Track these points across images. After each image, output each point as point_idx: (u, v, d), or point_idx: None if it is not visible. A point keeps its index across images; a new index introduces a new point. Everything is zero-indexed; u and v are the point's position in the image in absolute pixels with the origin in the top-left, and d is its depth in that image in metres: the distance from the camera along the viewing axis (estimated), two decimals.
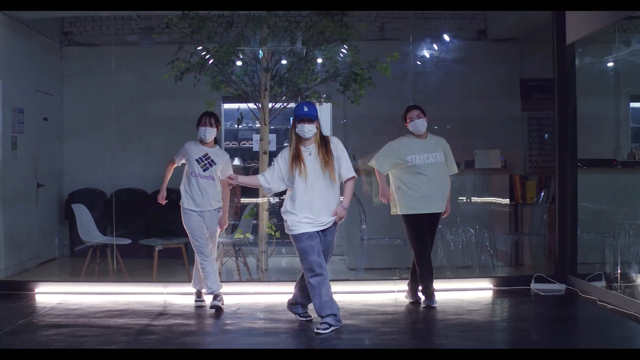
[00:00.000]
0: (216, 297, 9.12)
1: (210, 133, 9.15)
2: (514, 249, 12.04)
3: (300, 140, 8.01)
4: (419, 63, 12.44)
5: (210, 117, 9.21)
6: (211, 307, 9.06)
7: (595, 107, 12.28)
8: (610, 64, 12.12)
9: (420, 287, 9.28)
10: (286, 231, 8.12)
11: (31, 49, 12.35)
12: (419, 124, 9.04)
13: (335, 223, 8.02)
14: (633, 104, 13.42)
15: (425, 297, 9.20)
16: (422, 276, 9.12)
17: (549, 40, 10.94)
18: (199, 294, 9.42)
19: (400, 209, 9.12)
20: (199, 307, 9.28)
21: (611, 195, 11.39)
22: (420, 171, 8.98)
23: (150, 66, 12.41)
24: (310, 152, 7.94)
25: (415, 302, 9.37)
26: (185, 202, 9.16)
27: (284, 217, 8.09)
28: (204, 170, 9.07)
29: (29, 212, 12.26)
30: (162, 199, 9.46)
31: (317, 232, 7.95)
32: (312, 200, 7.91)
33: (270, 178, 8.10)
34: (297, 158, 7.98)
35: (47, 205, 13.00)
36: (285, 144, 9.85)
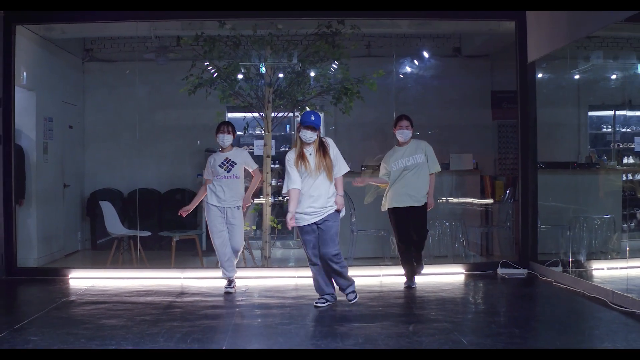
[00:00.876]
0: (230, 282, 10.17)
1: (227, 139, 10.03)
2: (484, 240, 13.01)
3: (302, 142, 8.90)
4: (402, 77, 13.48)
5: (228, 125, 10.08)
6: (225, 293, 10.04)
7: (559, 116, 13.21)
8: (573, 77, 12.83)
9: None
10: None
11: (58, 64, 13.25)
12: (405, 134, 10.06)
13: (337, 211, 8.97)
14: (591, 113, 14.54)
15: (407, 278, 10.29)
16: (403, 261, 10.18)
17: (515, 57, 11.85)
18: (229, 282, 10.22)
19: (386, 204, 10.14)
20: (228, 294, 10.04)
21: (570, 194, 12.26)
22: (402, 173, 10.01)
23: (164, 80, 13.32)
24: (310, 153, 8.89)
25: (409, 287, 10.32)
26: (209, 198, 10.04)
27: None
28: (228, 172, 10.00)
29: (57, 209, 13.12)
30: (185, 212, 10.17)
31: (316, 225, 8.90)
32: (313, 192, 8.87)
33: (299, 179, 8.92)
34: (301, 157, 8.86)
35: (71, 204, 13.87)
36: (282, 149, 11.15)
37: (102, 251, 12.53)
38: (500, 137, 14.25)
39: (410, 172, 10.04)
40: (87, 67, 14.58)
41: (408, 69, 13.80)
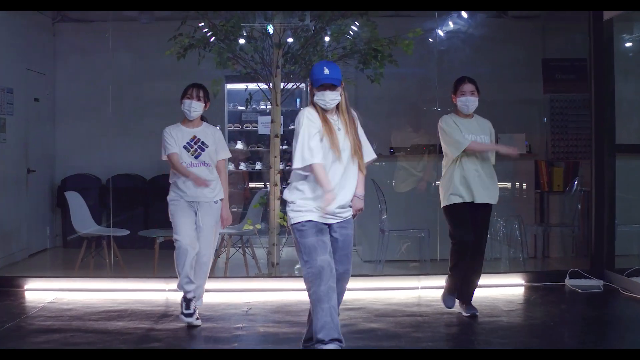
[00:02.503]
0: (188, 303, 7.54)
1: (196, 108, 7.53)
2: (540, 240, 11.22)
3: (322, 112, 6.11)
4: (442, 35, 11.50)
5: (199, 89, 7.62)
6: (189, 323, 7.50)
7: (626, 90, 11.22)
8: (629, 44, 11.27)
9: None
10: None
11: (21, 25, 11.45)
12: (471, 102, 7.73)
13: (353, 216, 6.40)
14: None
15: (463, 302, 7.96)
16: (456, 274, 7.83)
17: (574, 17, 10.27)
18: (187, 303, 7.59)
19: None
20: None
21: None
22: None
23: (150, 44, 11.62)
24: (337, 127, 6.12)
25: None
26: (172, 194, 7.63)
27: (288, 207, 6.25)
28: (196, 157, 7.53)
29: (19, 200, 11.42)
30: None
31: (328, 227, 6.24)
32: (342, 182, 6.19)
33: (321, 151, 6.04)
34: (327, 126, 6.06)
35: (38, 192, 12.15)
36: (292, 127, 8.76)
37: (76, 249, 10.65)
38: (553, 114, 12.30)
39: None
40: (58, 29, 12.73)
41: (441, 34, 11.64)
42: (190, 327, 7.42)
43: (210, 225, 7.59)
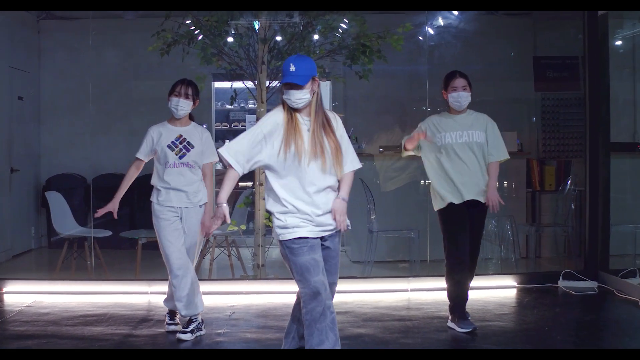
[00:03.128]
0: (190, 322, 6.95)
1: (183, 106, 6.96)
2: (532, 240, 10.92)
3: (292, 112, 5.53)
4: (431, 32, 11.13)
5: (187, 86, 7.06)
6: (178, 339, 6.86)
7: (618, 88, 10.92)
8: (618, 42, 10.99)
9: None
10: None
11: (4, 21, 11.09)
12: (463, 98, 7.22)
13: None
14: None
15: (458, 315, 7.24)
16: (454, 285, 7.21)
17: (565, 14, 10.08)
18: (171, 315, 7.23)
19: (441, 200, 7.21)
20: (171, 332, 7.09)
21: (636, 182, 10.51)
22: (452, 153, 7.14)
23: (134, 41, 11.23)
24: (308, 129, 5.51)
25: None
26: (156, 196, 7.14)
27: (274, 220, 5.63)
28: (180, 158, 6.99)
29: (1, 200, 11.10)
30: (114, 211, 7.41)
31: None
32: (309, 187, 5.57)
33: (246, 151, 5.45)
34: (293, 127, 5.49)
35: (21, 192, 11.80)
36: None
37: (60, 250, 10.12)
38: (545, 113, 11.97)
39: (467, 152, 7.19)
40: (43, 26, 12.36)
41: (431, 31, 11.33)
42: (171, 332, 7.03)
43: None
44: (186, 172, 6.95)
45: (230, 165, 5.27)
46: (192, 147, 6.97)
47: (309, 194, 5.35)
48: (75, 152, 12.00)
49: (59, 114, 12.20)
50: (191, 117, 7.21)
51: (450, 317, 7.18)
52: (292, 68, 5.36)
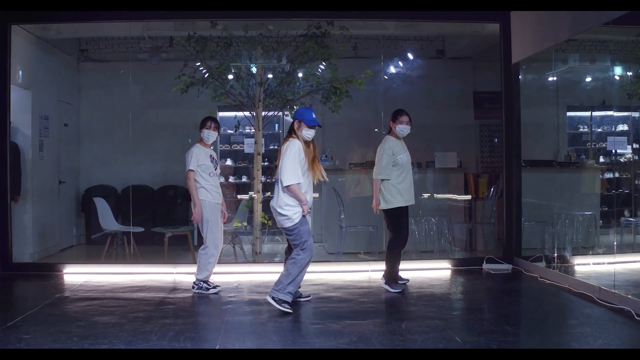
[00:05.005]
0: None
1: (213, 136, 9.28)
2: (468, 236, 12.51)
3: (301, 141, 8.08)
4: (386, 78, 12.89)
5: (213, 121, 9.28)
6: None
7: (538, 116, 12.82)
8: (551, 79, 12.55)
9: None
10: (286, 223, 8.09)
11: (53, 63, 12.76)
12: (406, 130, 9.28)
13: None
14: (569, 113, 14.11)
15: (399, 276, 9.57)
16: (395, 258, 9.35)
17: (498, 59, 11.39)
18: (208, 282, 9.34)
19: (395, 202, 9.25)
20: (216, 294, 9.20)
21: (550, 191, 11.94)
22: (405, 168, 9.24)
23: (157, 79, 12.80)
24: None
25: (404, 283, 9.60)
26: (209, 196, 9.15)
27: (286, 210, 8.06)
28: (215, 169, 9.24)
29: (52, 205, 12.61)
30: (199, 214, 9.17)
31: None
32: (309, 189, 8.25)
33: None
34: (307, 153, 8.10)
35: (66, 200, 13.34)
36: (272, 146, 10.57)
37: (97, 246, 12.01)
38: (482, 136, 13.83)
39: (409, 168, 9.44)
40: (82, 67, 14.09)
41: (393, 70, 13.33)
42: (202, 296, 9.11)
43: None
44: (217, 180, 9.33)
45: (298, 184, 7.97)
46: (217, 164, 9.33)
47: (307, 193, 8.10)
48: (108, 168, 13.60)
49: (94, 137, 13.76)
50: None
51: (388, 282, 9.36)
52: (314, 116, 8.09)
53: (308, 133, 8.12)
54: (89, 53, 13.89)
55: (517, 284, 9.94)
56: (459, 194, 12.77)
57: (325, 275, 10.35)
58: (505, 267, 10.80)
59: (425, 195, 12.63)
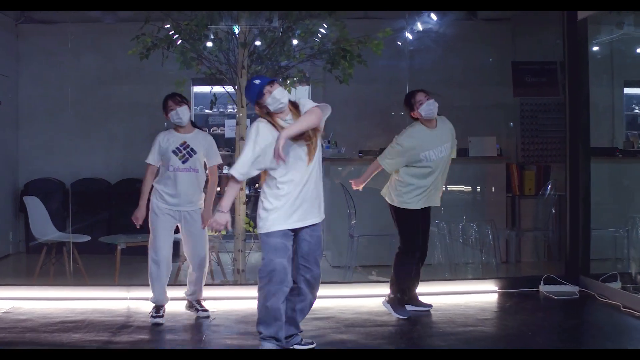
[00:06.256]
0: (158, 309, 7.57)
1: (184, 113, 7.35)
2: (512, 245, 10.68)
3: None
4: (413, 37, 11.01)
5: (175, 95, 7.47)
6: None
7: (596, 94, 10.91)
8: (598, 48, 10.97)
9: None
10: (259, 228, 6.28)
11: None
12: (432, 105, 7.35)
13: None
14: (627, 90, 12.38)
15: (408, 299, 7.88)
16: (406, 275, 7.72)
17: (544, 20, 9.84)
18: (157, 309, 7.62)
19: (410, 203, 7.55)
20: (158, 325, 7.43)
21: (616, 187, 10.35)
22: (434, 168, 7.51)
23: (113, 46, 11.03)
24: None
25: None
26: (155, 197, 7.45)
27: (261, 211, 6.23)
28: (183, 162, 7.34)
29: None
30: (139, 219, 7.54)
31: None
32: None
33: None
34: None
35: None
36: None
37: (39, 255, 9.88)
38: (523, 118, 11.81)
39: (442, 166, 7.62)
40: (22, 30, 12.16)
41: (409, 36, 11.19)
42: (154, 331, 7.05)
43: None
44: (187, 177, 7.33)
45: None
46: (195, 153, 7.34)
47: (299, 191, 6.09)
48: (54, 157, 11.83)
49: (37, 118, 11.97)
50: (194, 124, 7.57)
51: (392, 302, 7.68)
52: (257, 81, 6.07)
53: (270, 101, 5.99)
54: (30, 12, 11.93)
55: (592, 317, 7.86)
56: (498, 190, 10.85)
57: (331, 302, 8.26)
58: (570, 289, 8.76)
59: (458, 191, 10.92)
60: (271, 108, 5.87)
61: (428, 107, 7.31)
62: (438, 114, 7.49)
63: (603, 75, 11.35)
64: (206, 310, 7.62)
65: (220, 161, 7.62)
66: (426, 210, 7.58)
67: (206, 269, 7.74)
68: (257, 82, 5.97)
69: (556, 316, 7.86)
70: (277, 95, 5.85)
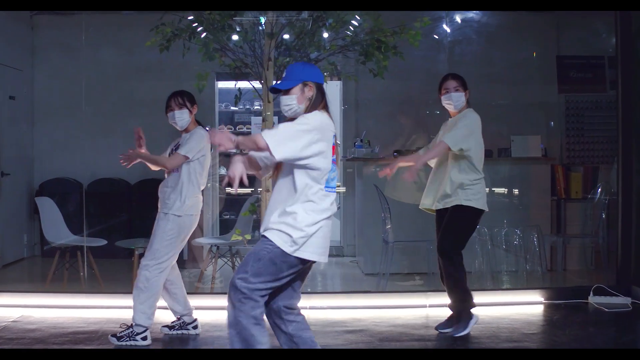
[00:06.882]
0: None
1: (180, 117, 6.94)
2: (558, 252, 10.34)
3: None
4: (453, 28, 10.76)
5: (178, 96, 7.05)
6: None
7: None
8: None
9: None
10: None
11: None
12: (455, 98, 7.00)
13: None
14: None
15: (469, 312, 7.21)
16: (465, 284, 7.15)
17: (589, 12, 9.25)
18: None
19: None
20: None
21: None
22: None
23: (133, 38, 10.81)
24: None
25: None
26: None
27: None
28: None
29: None
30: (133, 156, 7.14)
31: None
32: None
33: None
34: None
35: (13, 198, 11.30)
36: None
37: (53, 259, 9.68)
38: (569, 116, 11.46)
39: None
40: (37, 21, 11.88)
41: (447, 29, 10.97)
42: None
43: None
44: (171, 177, 6.99)
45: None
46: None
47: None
48: (70, 156, 11.61)
49: (53, 114, 11.80)
50: (199, 123, 7.15)
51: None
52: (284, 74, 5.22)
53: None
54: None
55: None
56: (543, 193, 10.46)
57: (364, 313, 7.93)
58: (622, 301, 8.33)
59: (499, 195, 10.58)
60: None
61: (448, 99, 7.09)
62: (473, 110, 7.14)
63: None
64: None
65: (186, 155, 6.89)
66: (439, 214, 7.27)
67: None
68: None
69: (609, 331, 7.49)
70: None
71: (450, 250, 6.90)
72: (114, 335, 6.64)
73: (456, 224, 6.92)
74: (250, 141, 4.76)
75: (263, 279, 4.72)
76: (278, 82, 5.21)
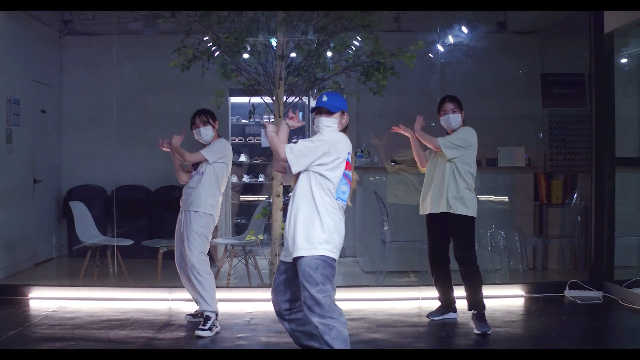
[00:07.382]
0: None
1: (206, 133, 7.65)
2: (539, 252, 10.78)
3: None
4: (441, 50, 11.06)
5: (201, 114, 7.69)
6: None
7: (623, 104, 10.77)
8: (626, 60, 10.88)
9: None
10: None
11: (29, 37, 11.03)
12: (452, 120, 7.64)
13: None
14: None
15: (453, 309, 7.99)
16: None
17: (571, 33, 10.14)
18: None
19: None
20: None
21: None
22: (432, 164, 7.93)
23: (154, 57, 11.24)
24: None
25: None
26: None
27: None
28: (195, 167, 7.70)
29: (25, 210, 10.96)
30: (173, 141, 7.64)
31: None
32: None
33: None
34: None
35: (44, 203, 11.67)
36: (294, 140, 8.49)
37: (81, 258, 10.13)
38: (552, 129, 11.99)
39: None
40: (65, 42, 12.29)
41: (441, 48, 11.27)
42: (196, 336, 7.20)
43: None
44: (196, 178, 7.59)
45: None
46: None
47: None
48: (96, 165, 11.92)
49: (80, 127, 12.10)
50: (219, 135, 7.81)
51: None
52: (325, 98, 5.65)
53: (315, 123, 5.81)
54: (73, 25, 12.11)
55: (615, 321, 8.22)
56: (526, 199, 10.90)
57: (364, 304, 8.54)
58: (595, 294, 8.94)
59: (486, 200, 10.73)
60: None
61: (446, 120, 7.71)
62: (466, 125, 7.72)
63: (629, 87, 11.26)
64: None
65: (207, 156, 7.53)
66: (433, 218, 7.80)
67: (195, 275, 7.47)
68: (324, 98, 5.72)
69: (580, 320, 8.05)
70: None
71: (471, 256, 7.48)
72: (199, 329, 7.16)
73: (467, 233, 7.52)
74: (276, 146, 5.55)
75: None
76: (324, 99, 5.64)
